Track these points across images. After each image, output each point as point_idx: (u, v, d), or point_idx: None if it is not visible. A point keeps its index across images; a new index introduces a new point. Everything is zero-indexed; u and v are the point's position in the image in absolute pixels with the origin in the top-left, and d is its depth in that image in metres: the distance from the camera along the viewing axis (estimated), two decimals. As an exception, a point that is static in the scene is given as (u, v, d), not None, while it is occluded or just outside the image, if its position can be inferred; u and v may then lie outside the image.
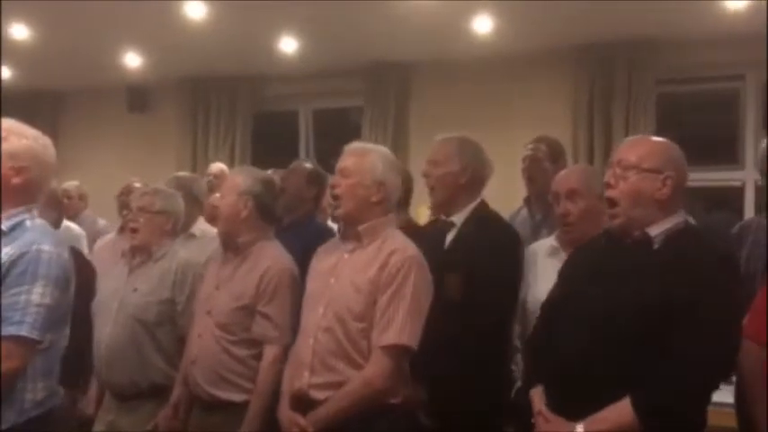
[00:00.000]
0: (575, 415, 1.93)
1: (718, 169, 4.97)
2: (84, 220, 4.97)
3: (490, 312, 2.56)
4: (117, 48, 5.42)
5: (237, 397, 2.57)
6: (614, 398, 1.88)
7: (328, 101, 6.18)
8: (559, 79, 5.08)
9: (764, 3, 4.01)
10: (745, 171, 4.75)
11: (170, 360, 2.81)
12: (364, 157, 2.45)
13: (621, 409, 1.87)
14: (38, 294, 1.99)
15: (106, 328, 2.80)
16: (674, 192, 2.02)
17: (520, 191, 3.59)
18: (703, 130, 5.31)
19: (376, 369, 2.27)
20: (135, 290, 2.83)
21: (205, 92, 6.23)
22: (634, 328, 1.89)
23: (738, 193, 4.84)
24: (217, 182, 4.55)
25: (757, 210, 4.09)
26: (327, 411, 2.27)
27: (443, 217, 2.83)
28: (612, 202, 2.04)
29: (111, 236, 3.90)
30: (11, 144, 2.09)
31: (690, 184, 5.24)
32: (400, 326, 2.26)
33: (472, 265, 2.59)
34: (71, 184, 5.05)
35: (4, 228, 2.05)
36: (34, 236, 2.05)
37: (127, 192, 3.82)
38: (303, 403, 2.33)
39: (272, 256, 2.67)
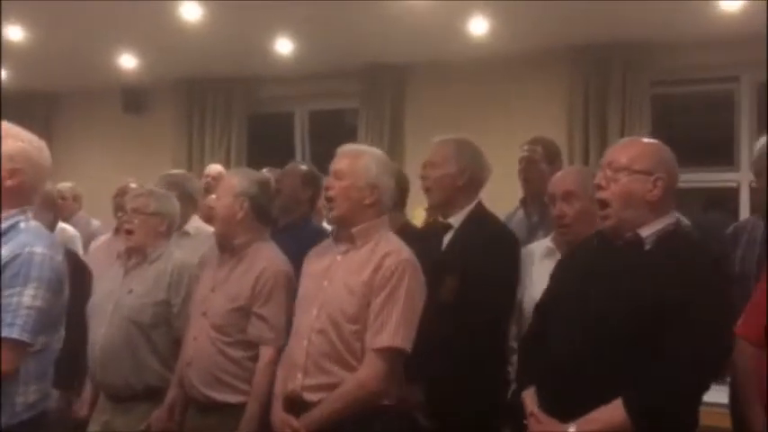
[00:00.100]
0: (567, 416, 1.94)
1: (713, 170, 4.99)
2: (79, 221, 4.97)
3: (487, 313, 2.57)
4: (112, 49, 5.41)
5: (233, 398, 2.57)
6: (606, 398, 1.89)
7: (324, 102, 6.18)
8: (555, 80, 5.08)
9: (759, 4, 4.02)
10: (741, 172, 4.76)
11: (165, 362, 2.80)
12: (358, 160, 2.45)
13: (613, 410, 1.87)
14: (29, 297, 1.98)
15: (101, 330, 2.80)
16: (665, 193, 2.03)
17: (516, 192, 3.60)
18: (698, 131, 5.32)
19: (369, 371, 2.27)
20: (130, 291, 2.83)
21: (200, 93, 6.23)
22: (626, 329, 1.90)
23: (734, 193, 4.86)
24: (214, 183, 4.55)
25: (752, 210, 4.10)
26: (321, 413, 2.27)
27: (440, 219, 2.83)
28: (604, 204, 2.05)
29: (106, 237, 3.90)
30: (5, 146, 2.09)
31: (686, 184, 5.27)
32: (394, 328, 2.27)
33: (469, 265, 2.60)
34: (65, 186, 5.04)
35: None
36: (27, 238, 2.05)
37: (122, 193, 3.82)
38: (296, 405, 2.33)
39: (268, 257, 2.67)
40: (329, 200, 2.44)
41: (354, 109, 5.84)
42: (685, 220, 3.03)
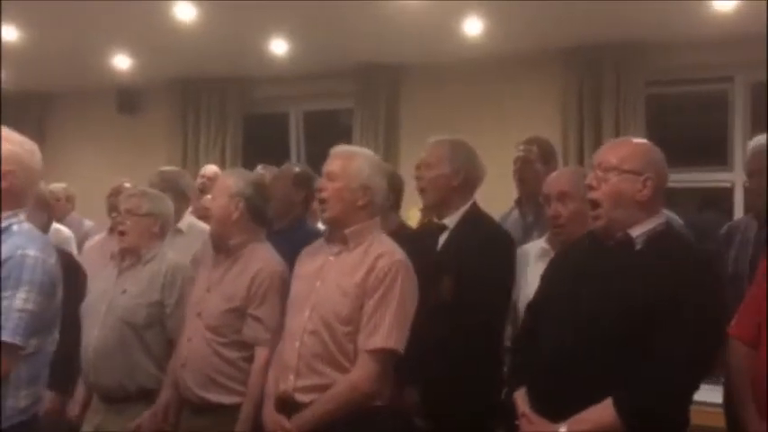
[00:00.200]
0: (559, 416, 1.95)
1: (707, 170, 5.00)
2: (72, 222, 4.96)
3: (482, 313, 2.57)
4: (106, 49, 5.40)
5: (227, 399, 2.57)
6: (598, 398, 1.90)
7: (319, 103, 6.17)
8: (549, 81, 5.09)
9: (753, 4, 4.03)
10: (734, 172, 4.77)
11: (158, 363, 2.79)
12: (350, 161, 2.45)
13: (603, 410, 1.88)
14: (21, 300, 1.98)
15: (94, 331, 2.79)
16: (655, 193, 2.05)
17: (511, 192, 3.60)
18: (692, 131, 5.34)
19: (362, 373, 2.27)
20: (124, 292, 2.82)
21: (195, 93, 6.22)
22: (617, 329, 1.91)
23: (728, 193, 4.87)
24: (210, 184, 4.54)
25: (746, 210, 4.11)
26: (313, 414, 2.28)
27: (435, 219, 2.83)
28: (594, 204, 2.07)
29: (100, 236, 3.89)
30: None
31: (680, 184, 5.27)
32: (387, 330, 2.27)
33: (464, 265, 2.60)
34: (58, 186, 5.03)
35: None
36: (20, 241, 2.04)
37: (116, 193, 3.81)
38: (288, 406, 2.33)
39: (263, 258, 2.67)
40: (322, 201, 2.45)
41: (349, 109, 5.83)
42: (679, 220, 3.05)
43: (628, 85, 4.87)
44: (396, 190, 3.24)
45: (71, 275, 2.60)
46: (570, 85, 5.04)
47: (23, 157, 2.14)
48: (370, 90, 5.61)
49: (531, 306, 2.30)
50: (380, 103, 5.58)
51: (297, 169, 3.59)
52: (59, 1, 4.27)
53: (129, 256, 2.90)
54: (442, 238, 2.76)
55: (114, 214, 3.38)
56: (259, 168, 4.38)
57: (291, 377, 2.33)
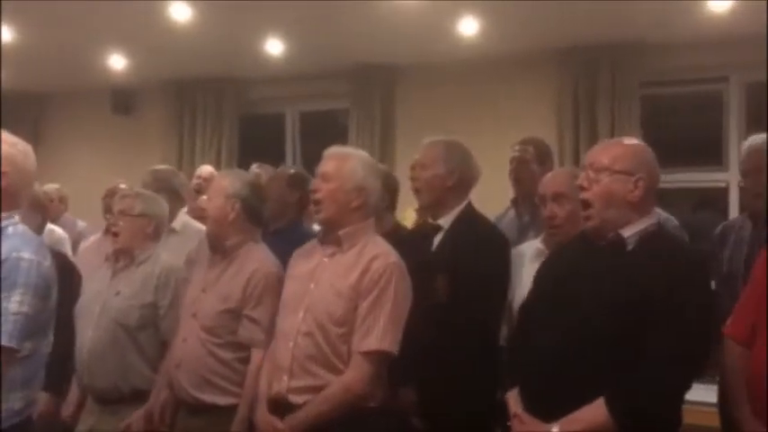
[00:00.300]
0: (552, 416, 1.95)
1: (702, 170, 5.01)
2: (65, 222, 4.95)
3: (477, 313, 2.58)
4: (101, 49, 5.39)
5: (222, 400, 2.56)
6: (590, 398, 1.91)
7: (315, 103, 6.17)
8: (544, 81, 5.09)
9: (748, 5, 4.04)
10: (730, 172, 4.79)
11: (152, 365, 2.79)
12: (345, 162, 2.45)
13: (596, 410, 1.89)
14: (16, 303, 1.97)
15: (88, 332, 2.79)
16: (646, 193, 2.06)
17: (506, 192, 3.60)
18: (687, 131, 5.35)
19: (356, 374, 2.27)
20: (117, 293, 2.82)
21: (191, 94, 6.21)
22: (609, 329, 1.92)
23: (723, 193, 4.88)
24: (206, 185, 4.53)
25: (741, 210, 4.13)
26: (306, 415, 2.28)
27: (430, 220, 2.84)
28: (586, 204, 2.08)
29: (95, 237, 3.89)
30: None
31: (675, 185, 5.26)
32: (381, 332, 2.28)
33: (459, 265, 2.60)
34: (51, 187, 5.02)
35: None
36: (14, 243, 2.04)
37: (111, 194, 3.81)
38: (281, 407, 2.33)
39: (259, 259, 2.67)
40: (316, 202, 2.45)
41: (345, 109, 5.83)
42: (674, 221, 3.05)
43: (623, 86, 4.88)
44: (391, 190, 3.24)
45: (65, 277, 2.60)
46: (565, 85, 5.04)
47: (17, 159, 2.13)
48: (365, 90, 5.62)
49: (523, 306, 2.31)
50: (376, 103, 5.58)
51: (291, 171, 3.59)
52: (54, 1, 4.26)
53: (123, 257, 2.90)
54: (437, 239, 2.77)
55: (108, 215, 3.37)
56: (254, 167, 4.38)
57: (285, 378, 2.32)
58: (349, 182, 2.42)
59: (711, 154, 4.95)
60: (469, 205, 2.82)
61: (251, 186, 2.77)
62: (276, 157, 5.81)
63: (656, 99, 5.15)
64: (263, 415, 2.37)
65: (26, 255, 2.03)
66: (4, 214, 2.09)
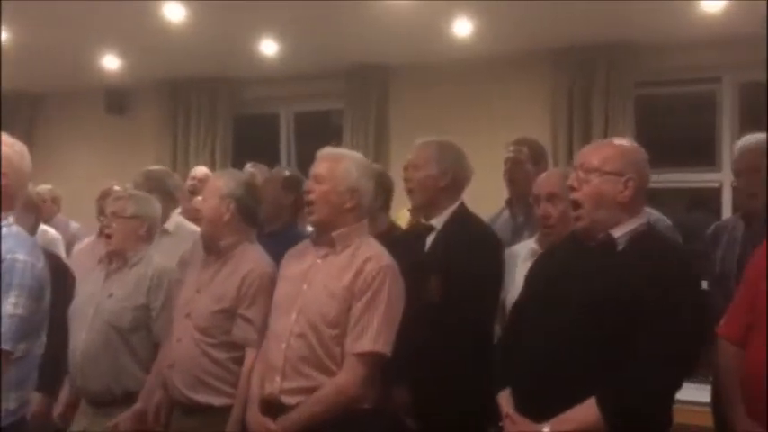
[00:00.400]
0: (543, 416, 1.96)
1: (696, 170, 5.02)
2: (58, 223, 4.93)
3: (470, 312, 2.58)
4: (95, 49, 5.37)
5: (216, 400, 2.56)
6: (580, 398, 1.91)
7: (309, 103, 6.16)
8: (539, 81, 5.10)
9: (741, 5, 4.06)
10: (723, 173, 4.80)
11: (145, 367, 2.79)
12: (338, 164, 2.45)
13: (587, 409, 1.90)
14: (11, 305, 1.98)
15: (81, 334, 2.79)
16: (636, 193, 2.07)
17: (501, 193, 3.61)
18: (681, 131, 5.36)
19: (349, 376, 2.28)
20: (110, 295, 2.82)
21: (185, 94, 6.19)
22: (599, 330, 1.92)
23: (716, 193, 4.89)
24: (200, 185, 4.52)
25: (734, 210, 4.14)
26: (299, 416, 2.28)
27: (423, 220, 2.84)
28: (576, 205, 2.09)
29: (90, 239, 3.88)
30: None
31: (669, 184, 5.27)
32: (375, 333, 2.28)
33: (452, 265, 2.61)
34: (44, 188, 5.00)
35: None
36: (9, 244, 2.04)
37: (106, 195, 3.79)
38: (273, 408, 2.33)
39: (254, 259, 2.67)
40: (309, 203, 2.45)
41: (339, 110, 5.82)
42: (667, 221, 3.06)
43: (617, 86, 4.89)
44: (385, 190, 3.24)
45: (59, 278, 2.59)
46: (560, 85, 5.05)
47: (14, 160, 2.13)
48: (360, 91, 5.61)
49: (514, 307, 2.32)
50: (370, 103, 5.58)
51: (287, 173, 3.60)
52: (48, 1, 4.25)
53: (116, 259, 2.89)
54: (430, 239, 2.77)
55: (102, 217, 3.36)
56: (248, 167, 4.37)
57: (278, 379, 2.32)
58: (342, 183, 2.42)
59: (705, 154, 4.96)
60: (462, 205, 2.82)
61: (246, 187, 2.77)
62: (270, 158, 5.80)
63: (650, 99, 5.16)
64: (254, 416, 2.37)
65: (21, 256, 2.03)
66: (3, 214, 2.09)
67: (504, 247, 2.98)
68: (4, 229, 2.08)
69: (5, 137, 2.16)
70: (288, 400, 2.30)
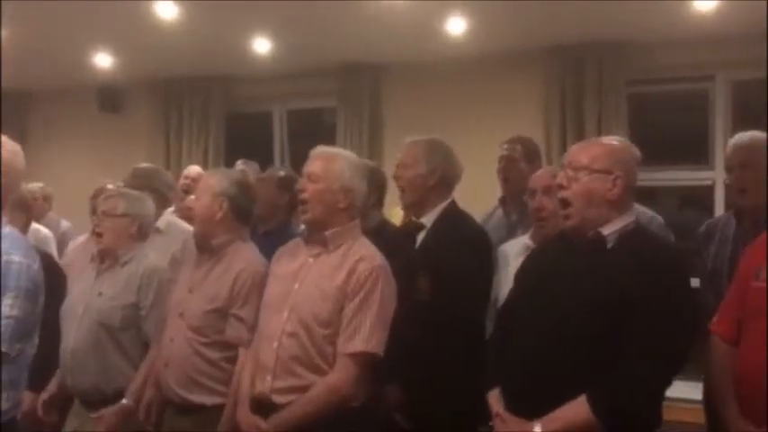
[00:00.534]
0: (533, 415, 1.96)
1: (688, 168, 5.04)
2: (49, 222, 4.92)
3: (460, 310, 2.58)
4: (87, 47, 5.35)
5: (209, 400, 2.56)
6: (570, 397, 1.92)
7: (302, 101, 6.15)
8: (532, 80, 5.10)
9: (734, 4, 4.07)
10: (715, 171, 4.81)
11: (135, 366, 2.78)
12: (332, 163, 2.45)
13: (578, 407, 1.90)
14: (7, 306, 1.99)
15: (72, 333, 2.78)
16: (625, 191, 2.08)
17: (494, 191, 3.61)
18: (673, 130, 5.37)
19: (342, 376, 2.28)
20: (100, 294, 2.81)
21: (177, 92, 6.18)
22: (589, 328, 1.93)
23: (708, 191, 4.91)
24: (194, 185, 4.51)
25: (727, 207, 4.15)
26: (290, 416, 2.27)
27: (414, 218, 2.85)
28: (565, 203, 2.10)
29: (83, 238, 3.86)
30: None
31: (661, 183, 5.27)
32: (368, 333, 2.28)
33: (441, 263, 2.61)
34: (35, 186, 4.99)
35: None
36: (5, 246, 2.04)
37: (99, 194, 3.77)
38: (264, 407, 2.33)
39: (246, 258, 2.66)
40: (303, 202, 2.44)
41: (332, 108, 5.82)
42: (659, 219, 3.07)
43: (609, 84, 4.90)
44: (378, 187, 3.25)
45: (51, 278, 2.58)
46: (552, 83, 5.06)
47: (7, 159, 2.13)
48: (353, 89, 5.61)
49: (504, 305, 2.33)
50: (364, 101, 5.57)
51: (281, 173, 3.60)
52: (40, 0, 4.23)
53: (107, 257, 2.88)
54: (421, 237, 2.77)
55: (95, 216, 3.35)
56: (239, 164, 4.37)
57: (269, 378, 2.32)
58: (336, 182, 2.42)
59: (697, 152, 4.97)
60: (452, 203, 2.83)
61: (239, 185, 2.76)
62: (263, 156, 5.80)
63: (642, 97, 5.17)
64: (245, 415, 2.36)
65: (16, 258, 2.03)
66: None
67: (497, 245, 2.99)
68: (5, 229, 2.08)
69: (1, 137, 2.15)
70: (279, 399, 2.30)
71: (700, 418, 2.95)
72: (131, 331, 2.79)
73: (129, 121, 6.37)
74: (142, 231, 2.96)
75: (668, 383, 1.98)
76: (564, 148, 4.92)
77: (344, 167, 2.45)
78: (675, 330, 1.93)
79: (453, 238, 2.69)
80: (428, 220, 2.78)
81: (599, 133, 4.75)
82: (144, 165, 3.88)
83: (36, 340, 2.17)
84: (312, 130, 6.27)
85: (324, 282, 2.34)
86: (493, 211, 3.59)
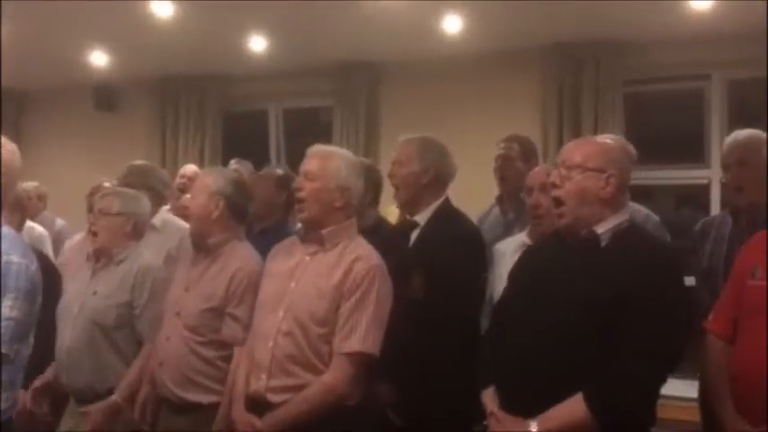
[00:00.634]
0: (528, 414, 1.96)
1: (684, 167, 5.04)
2: (43, 220, 4.90)
3: (453, 308, 2.58)
4: (83, 46, 5.34)
5: (205, 398, 2.56)
6: (565, 395, 1.92)
7: (298, 100, 6.14)
8: (528, 78, 5.10)
9: (730, 4, 4.08)
10: (711, 169, 4.82)
11: (129, 364, 2.78)
12: (329, 161, 2.45)
13: (574, 405, 1.90)
14: (7, 308, 1.99)
15: (66, 332, 2.77)
16: (618, 190, 2.08)
17: (491, 190, 3.61)
18: (670, 129, 5.38)
19: (338, 375, 2.27)
20: (95, 293, 2.80)
21: (174, 91, 6.17)
22: (584, 326, 1.93)
23: (704, 190, 4.92)
24: (190, 183, 4.50)
25: (722, 206, 4.16)
26: (286, 414, 2.27)
27: (408, 216, 2.85)
28: (559, 202, 2.10)
29: (80, 236, 3.85)
30: None
31: (657, 181, 5.27)
32: (364, 333, 2.28)
33: (434, 261, 2.61)
34: (30, 185, 4.97)
35: None
36: (4, 246, 2.04)
37: (96, 192, 3.77)
38: (259, 405, 2.32)
39: (242, 257, 2.66)
40: (299, 201, 2.44)
41: (329, 107, 5.81)
42: (655, 217, 3.07)
43: (606, 83, 4.90)
44: (375, 185, 3.25)
45: (46, 278, 2.57)
46: (549, 82, 5.06)
47: (6, 159, 2.13)
48: (349, 88, 5.60)
49: (499, 304, 2.32)
50: (360, 100, 5.57)
51: (280, 172, 3.59)
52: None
53: (102, 256, 2.88)
54: (414, 235, 2.77)
55: (91, 214, 3.35)
56: (233, 163, 4.36)
57: (264, 377, 2.32)
58: (333, 181, 2.41)
59: (693, 151, 4.98)
60: (446, 201, 2.83)
61: (235, 184, 2.76)
62: (260, 155, 5.79)
63: (639, 96, 5.18)
64: (240, 413, 2.36)
65: (15, 258, 2.03)
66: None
67: (494, 243, 2.99)
68: (3, 229, 2.08)
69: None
70: (274, 398, 2.30)
71: (695, 416, 2.96)
72: (125, 330, 2.78)
73: (125, 120, 6.36)
74: (137, 230, 2.95)
75: (663, 381, 1.99)
76: (561, 147, 4.93)
77: (341, 166, 2.44)
78: (670, 328, 1.93)
79: (447, 235, 2.69)
80: (422, 218, 2.78)
81: (596, 132, 4.74)
82: (140, 162, 3.86)
83: (32, 340, 2.17)
84: (308, 128, 6.27)
85: (320, 280, 2.34)
86: (490, 209, 3.59)
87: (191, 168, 4.95)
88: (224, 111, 6.17)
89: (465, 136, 4.54)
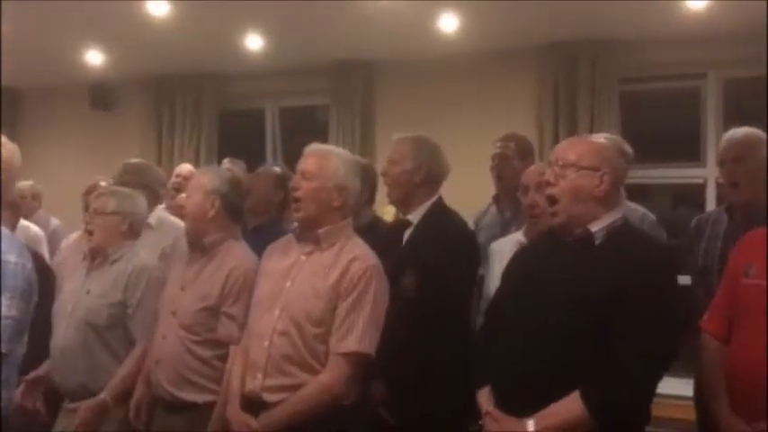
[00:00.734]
0: (524, 413, 1.96)
1: (680, 166, 5.05)
2: (38, 219, 4.89)
3: (446, 306, 2.58)
4: (78, 44, 5.32)
5: (201, 398, 2.56)
6: (560, 394, 1.92)
7: (294, 99, 6.13)
8: (524, 77, 5.10)
9: (726, 4, 4.08)
10: (707, 168, 4.83)
11: (121, 364, 2.76)
12: (326, 161, 2.44)
13: (571, 404, 1.91)
14: (5, 307, 1.99)
15: (61, 331, 2.77)
16: (612, 188, 2.09)
17: (487, 189, 3.61)
18: (666, 128, 5.38)
19: (334, 374, 2.27)
20: (88, 292, 2.80)
21: (169, 90, 6.15)
22: (578, 324, 1.93)
23: (701, 189, 4.92)
24: (185, 183, 4.49)
25: (719, 203, 4.16)
26: (282, 414, 2.26)
27: (401, 215, 2.85)
28: (553, 200, 2.10)
29: (76, 235, 3.85)
30: None
31: (653, 180, 5.28)
32: (360, 333, 2.28)
33: (426, 260, 2.61)
34: (25, 184, 4.96)
35: None
36: (2, 246, 2.03)
37: (92, 191, 3.77)
38: (255, 405, 2.32)
39: (238, 256, 2.66)
40: (296, 200, 2.43)
41: (325, 105, 5.81)
42: (651, 216, 3.07)
43: (602, 82, 4.90)
44: (371, 184, 3.25)
45: (40, 278, 2.57)
46: (545, 81, 5.06)
47: (6, 158, 2.14)
48: (345, 86, 5.59)
49: (492, 303, 2.33)
50: (356, 99, 5.56)
51: (278, 170, 3.59)
52: (31, -3, 4.21)
53: (98, 255, 2.87)
54: (407, 234, 2.77)
55: (87, 213, 3.34)
56: (225, 162, 4.36)
57: (259, 376, 2.31)
58: (330, 180, 2.41)
59: (689, 150, 4.98)
60: (439, 200, 2.83)
61: (231, 183, 2.76)
62: (255, 153, 5.79)
63: (634, 95, 5.18)
64: (235, 413, 2.35)
65: (12, 258, 2.04)
66: None
67: (490, 242, 2.99)
68: (3, 229, 2.08)
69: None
70: (269, 397, 2.29)
71: (690, 414, 2.96)
72: (118, 330, 2.77)
73: (120, 119, 6.34)
74: (133, 229, 2.94)
75: (658, 379, 1.99)
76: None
77: (339, 165, 2.44)
78: (665, 326, 1.93)
79: (439, 234, 2.69)
80: (414, 217, 2.79)
81: (591, 131, 4.75)
82: (135, 160, 3.85)
83: (26, 339, 2.17)
84: (305, 127, 6.26)
85: (317, 280, 2.34)
86: (486, 208, 3.60)
87: (186, 167, 4.94)
88: (220, 109, 6.16)
89: (461, 135, 4.55)
